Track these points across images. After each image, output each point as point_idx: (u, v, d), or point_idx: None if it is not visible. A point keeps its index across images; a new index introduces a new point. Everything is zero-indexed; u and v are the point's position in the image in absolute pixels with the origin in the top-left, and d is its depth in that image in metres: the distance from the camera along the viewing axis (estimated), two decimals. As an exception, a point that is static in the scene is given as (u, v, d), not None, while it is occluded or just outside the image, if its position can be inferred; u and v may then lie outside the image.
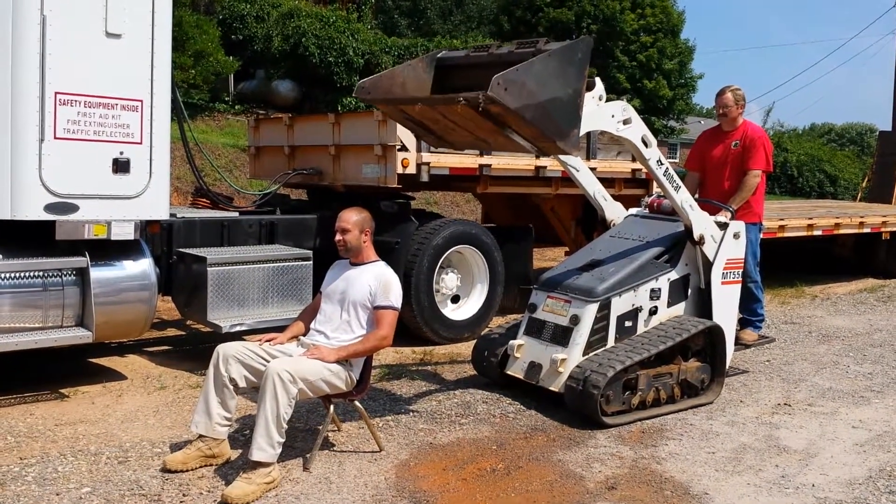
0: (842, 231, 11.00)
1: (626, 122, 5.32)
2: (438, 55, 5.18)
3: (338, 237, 4.58)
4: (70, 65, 5.14)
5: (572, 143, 4.62)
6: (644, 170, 8.95)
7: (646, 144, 5.47)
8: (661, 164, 5.60)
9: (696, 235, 5.81)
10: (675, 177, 5.69)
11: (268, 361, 4.26)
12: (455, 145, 5.49)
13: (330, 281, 4.70)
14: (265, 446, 4.03)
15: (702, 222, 5.86)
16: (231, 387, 4.28)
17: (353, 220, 4.56)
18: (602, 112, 5.20)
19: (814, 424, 5.44)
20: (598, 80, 5.21)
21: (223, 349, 4.31)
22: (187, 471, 4.22)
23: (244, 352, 4.33)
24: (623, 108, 5.36)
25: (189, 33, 16.38)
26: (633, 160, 8.99)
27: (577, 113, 4.54)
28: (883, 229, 11.57)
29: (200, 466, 4.26)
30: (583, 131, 4.83)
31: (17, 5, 4.97)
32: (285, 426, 4.09)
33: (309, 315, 4.77)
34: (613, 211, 6.43)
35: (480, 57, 5.02)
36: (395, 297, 4.50)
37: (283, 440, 4.10)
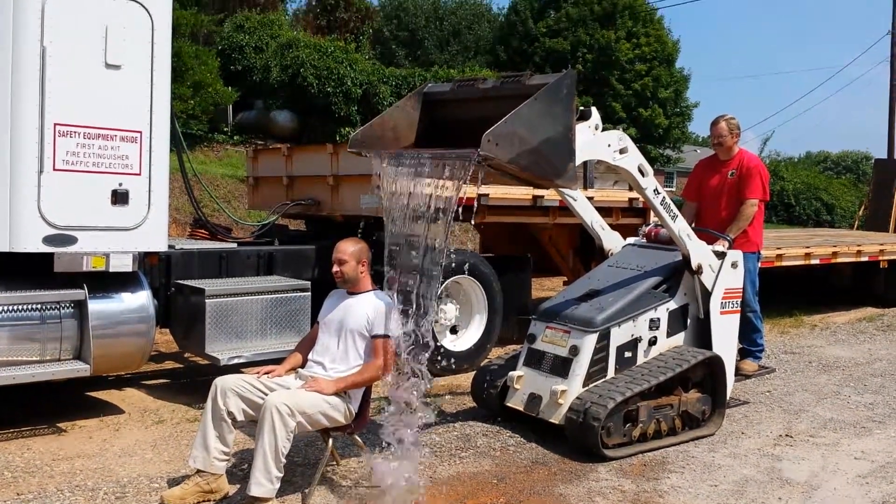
0: (839, 260, 11.00)
1: (622, 151, 5.34)
2: (425, 90, 5.21)
3: (335, 269, 4.57)
4: (69, 96, 5.16)
5: (569, 178, 4.63)
6: (641, 199, 8.99)
7: (642, 174, 5.49)
8: (658, 193, 5.61)
9: (693, 265, 5.80)
10: (672, 206, 5.70)
11: (266, 394, 4.23)
12: None
13: (327, 311, 4.68)
14: (263, 481, 3.99)
15: (699, 252, 5.86)
16: (229, 420, 4.25)
17: (349, 251, 4.56)
18: (598, 141, 5.22)
19: (816, 456, 5.40)
20: (594, 109, 5.23)
21: (221, 382, 4.28)
22: (185, 506, 4.17)
23: (242, 385, 4.30)
24: (619, 137, 5.38)
25: (188, 64, 16.47)
26: (630, 189, 9.02)
27: (570, 147, 4.56)
28: (881, 258, 11.57)
29: (199, 502, 4.22)
30: (579, 160, 4.84)
31: (16, 36, 5.00)
32: (284, 460, 4.06)
33: (306, 346, 4.74)
34: (611, 240, 6.43)
35: (466, 91, 5.06)
36: (393, 326, 4.48)
37: (281, 475, 4.06)
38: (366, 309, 4.50)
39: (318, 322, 4.78)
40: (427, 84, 5.28)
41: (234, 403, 4.24)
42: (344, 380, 4.36)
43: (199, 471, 4.24)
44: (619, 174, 8.94)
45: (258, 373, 4.49)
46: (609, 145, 5.29)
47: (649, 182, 5.55)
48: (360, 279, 4.59)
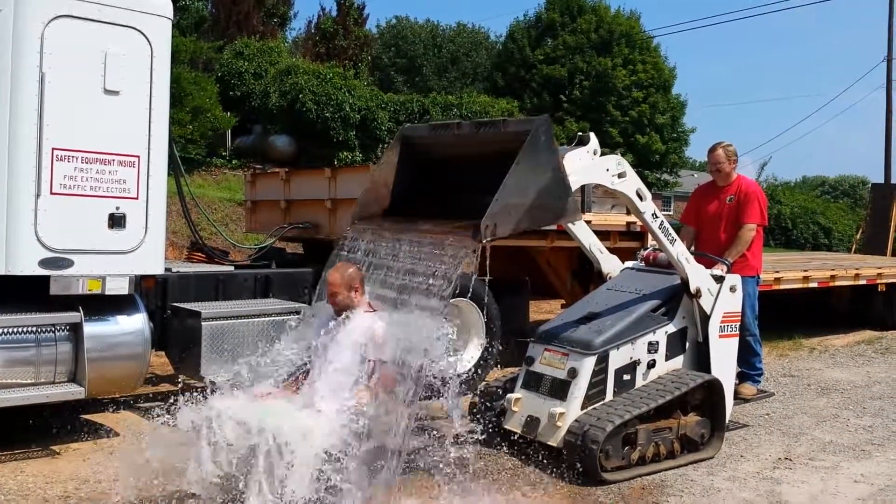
0: (837, 283, 11.00)
1: (620, 175, 5.37)
2: (404, 133, 5.34)
3: (328, 301, 4.63)
4: (68, 121, 5.18)
5: (572, 213, 4.77)
6: (639, 223, 9.01)
7: (640, 198, 5.51)
8: (657, 217, 5.62)
9: (692, 288, 5.80)
10: (670, 230, 5.71)
11: (262, 419, 4.20)
12: None
13: (320, 333, 4.69)
14: None
15: (698, 275, 5.86)
16: (224, 445, 4.21)
17: (338, 281, 4.61)
18: (597, 166, 5.26)
19: (815, 479, 5.36)
20: (592, 135, 5.29)
21: (216, 406, 4.26)
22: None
23: (238, 409, 4.27)
24: (617, 161, 5.41)
25: (187, 89, 16.56)
26: (628, 213, 9.03)
27: (565, 185, 4.65)
28: (879, 281, 11.58)
29: None
30: (578, 185, 4.90)
31: (16, 62, 5.03)
32: (279, 488, 4.02)
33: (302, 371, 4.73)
34: (609, 264, 6.43)
35: (444, 136, 5.13)
36: (387, 350, 4.47)
37: (280, 503, 4.02)
38: (361, 330, 4.51)
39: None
40: (403, 129, 5.37)
41: (230, 426, 4.21)
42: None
43: (194, 495, 4.21)
44: (617, 198, 9.01)
45: (255, 396, 4.47)
46: (607, 170, 5.33)
47: (647, 206, 5.57)
48: (354, 304, 4.62)
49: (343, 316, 4.62)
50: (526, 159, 4.36)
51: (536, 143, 4.43)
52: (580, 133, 5.36)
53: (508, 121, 4.85)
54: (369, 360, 4.43)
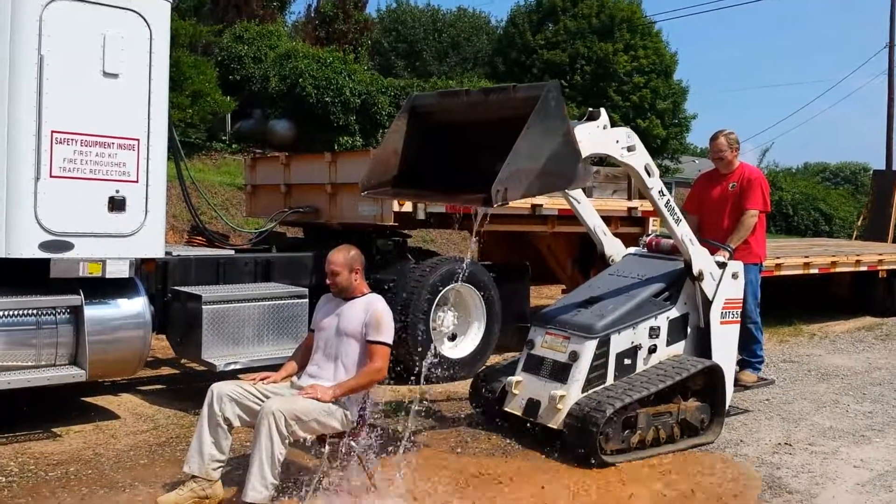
0: (838, 269, 11.00)
1: (630, 149, 5.34)
2: (412, 102, 5.26)
3: (329, 280, 4.57)
4: (67, 104, 5.16)
5: (582, 179, 4.73)
6: (640, 208, 9.00)
7: (649, 173, 5.49)
8: (663, 195, 5.60)
9: (695, 270, 5.78)
10: (676, 209, 5.69)
11: (262, 401, 4.21)
12: None
13: (321, 317, 4.67)
14: (259, 487, 3.97)
15: (701, 258, 5.84)
16: (225, 427, 4.23)
17: (340, 261, 4.54)
18: (607, 136, 5.23)
19: (815, 464, 5.37)
20: (602, 110, 5.27)
21: (218, 388, 4.26)
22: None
23: (239, 391, 4.28)
24: (628, 134, 5.38)
25: (187, 73, 16.49)
26: (629, 199, 9.02)
27: (574, 150, 4.58)
28: (879, 267, 11.58)
29: None
30: (587, 153, 4.86)
31: (14, 45, 5.00)
32: (280, 467, 4.03)
33: (302, 354, 4.74)
34: (612, 246, 6.41)
35: (453, 103, 5.09)
36: (387, 332, 4.46)
37: (277, 482, 4.04)
38: (361, 313, 4.48)
39: (311, 330, 4.77)
40: (412, 97, 5.31)
41: (231, 409, 4.23)
42: (341, 386, 4.33)
43: (194, 476, 4.22)
44: (619, 183, 9.01)
45: (254, 379, 4.47)
46: (617, 141, 5.29)
47: (655, 182, 5.54)
48: (354, 286, 4.58)
49: (346, 302, 4.59)
50: (537, 123, 4.32)
51: (547, 107, 4.39)
52: (590, 109, 5.33)
53: (518, 86, 4.78)
54: (371, 342, 4.41)
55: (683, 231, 5.73)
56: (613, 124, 5.28)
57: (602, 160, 6.57)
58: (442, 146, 5.11)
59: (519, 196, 4.29)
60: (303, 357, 4.70)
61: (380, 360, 4.40)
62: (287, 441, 4.06)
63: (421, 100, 5.28)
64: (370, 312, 4.47)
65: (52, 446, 5.20)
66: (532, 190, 4.38)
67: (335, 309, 4.61)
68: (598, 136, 5.10)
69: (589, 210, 6.28)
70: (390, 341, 4.47)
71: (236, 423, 4.25)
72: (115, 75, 5.33)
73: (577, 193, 6.17)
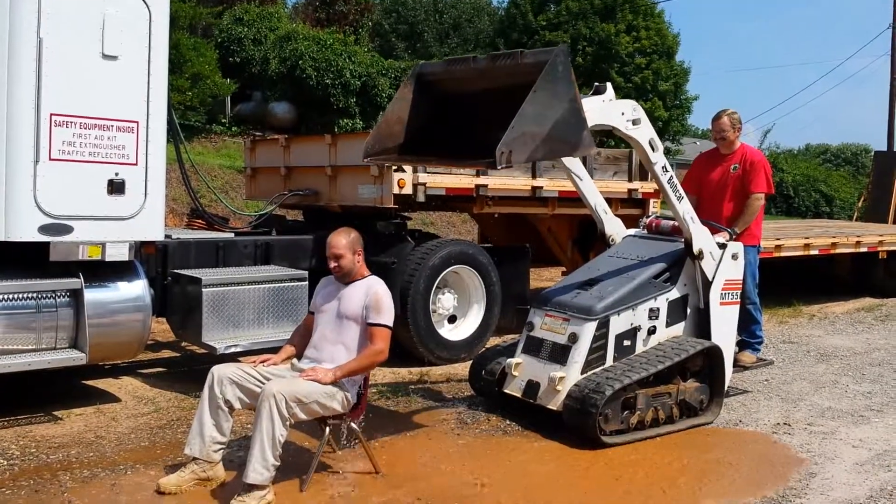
0: (838, 250, 10.99)
1: (635, 122, 5.32)
2: (419, 70, 5.19)
3: (332, 264, 4.54)
4: (66, 86, 5.13)
5: (586, 146, 4.65)
6: (640, 189, 8.99)
7: (653, 148, 5.47)
8: (667, 171, 5.59)
9: (695, 249, 5.77)
10: (679, 186, 5.68)
11: (263, 383, 4.22)
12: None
13: (322, 300, 4.67)
14: (260, 469, 3.99)
15: (702, 236, 5.83)
16: (226, 409, 4.25)
17: (343, 244, 4.51)
18: (613, 108, 5.21)
19: (814, 444, 5.39)
20: (608, 84, 5.25)
21: (218, 371, 4.28)
22: (181, 493, 4.16)
23: (239, 374, 4.29)
24: (633, 107, 5.36)
25: (186, 56, 16.44)
26: (630, 180, 9.00)
27: (580, 117, 4.55)
28: (879, 249, 11.57)
29: (195, 489, 4.21)
30: (592, 124, 4.82)
31: (13, 27, 4.98)
32: (280, 449, 4.05)
33: (301, 336, 4.75)
34: (613, 226, 6.39)
35: (461, 70, 5.04)
36: (388, 314, 4.46)
37: (278, 463, 4.05)
38: (361, 296, 4.48)
39: (311, 312, 4.78)
40: (419, 65, 5.26)
41: (231, 392, 4.24)
42: (342, 368, 4.34)
43: (195, 459, 4.24)
44: (619, 164, 8.98)
45: (254, 361, 4.48)
46: (623, 114, 5.28)
47: (659, 158, 5.53)
48: (356, 269, 4.58)
49: (347, 285, 4.57)
50: (543, 87, 4.29)
51: (555, 72, 4.36)
52: (596, 83, 5.30)
53: (526, 52, 4.75)
54: (371, 325, 4.42)
55: (685, 209, 5.72)
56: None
57: (602, 142, 6.56)
58: (448, 115, 5.06)
59: (524, 159, 4.25)
60: (302, 339, 4.71)
61: (380, 342, 4.40)
62: (288, 423, 4.07)
63: (428, 67, 5.21)
64: (370, 295, 4.47)
65: (54, 429, 5.22)
66: (537, 154, 4.33)
67: (336, 292, 4.61)
68: (604, 108, 5.07)
69: (591, 188, 6.26)
70: (391, 324, 4.47)
71: (237, 405, 4.27)
72: (114, 57, 5.31)
73: (580, 170, 6.14)
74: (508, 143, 4.13)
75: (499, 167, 4.15)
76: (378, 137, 5.00)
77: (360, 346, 4.45)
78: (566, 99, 4.43)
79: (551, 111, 4.36)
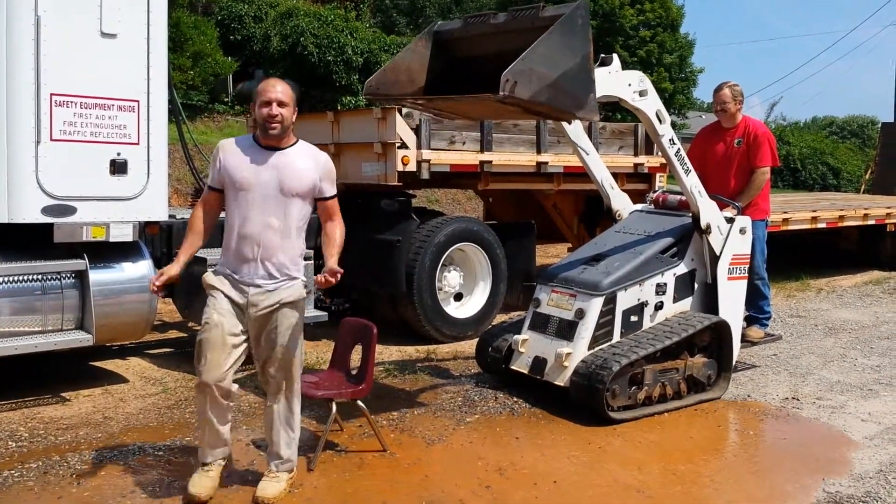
0: (846, 224, 10.94)
1: (641, 93, 5.26)
2: (435, 29, 5.07)
3: (273, 111, 3.77)
4: (65, 66, 5.09)
5: (590, 110, 4.51)
6: (646, 164, 8.92)
7: (660, 120, 5.42)
8: (674, 143, 5.54)
9: (702, 223, 5.73)
10: (686, 159, 5.63)
11: (246, 340, 3.94)
12: (470, 118, 5.67)
13: (245, 172, 3.82)
14: (287, 451, 4.04)
15: (709, 210, 5.79)
16: (226, 402, 3.98)
17: (289, 93, 3.85)
18: (619, 79, 5.13)
19: (823, 418, 5.38)
20: (615, 55, 5.17)
21: (207, 377, 3.93)
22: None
23: (224, 369, 3.94)
24: (640, 78, 5.29)
25: (187, 34, 16.33)
26: (636, 155, 8.93)
27: (590, 78, 4.45)
28: (887, 221, 11.50)
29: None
30: (598, 94, 4.74)
31: (10, 6, 4.92)
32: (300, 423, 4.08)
33: (204, 220, 4.00)
34: (619, 201, 6.34)
35: (478, 27, 4.93)
36: (334, 182, 4.03)
37: (298, 434, 4.10)
38: (310, 167, 3.89)
39: (215, 189, 3.95)
40: (437, 23, 5.16)
41: (227, 382, 3.94)
42: (336, 255, 3.88)
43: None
44: (625, 139, 8.90)
45: (152, 287, 3.97)
46: (629, 84, 5.20)
47: (666, 130, 5.47)
48: (289, 129, 3.89)
49: (276, 151, 3.86)
50: (559, 32, 4.18)
51: (573, 22, 4.26)
52: (602, 55, 5.23)
53: (547, 6, 4.64)
54: (326, 199, 3.96)
55: (692, 182, 5.67)
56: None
57: (608, 116, 6.48)
58: (458, 76, 4.94)
59: (527, 96, 4.07)
60: (206, 223, 3.99)
61: (338, 215, 4.01)
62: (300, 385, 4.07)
63: (445, 26, 5.04)
64: (321, 164, 3.94)
65: (62, 410, 5.23)
66: (541, 96, 4.17)
67: (264, 160, 3.83)
68: (611, 79, 5.00)
69: (597, 162, 6.19)
70: (334, 193, 4.04)
71: (234, 388, 4.01)
72: (113, 35, 5.26)
73: (586, 144, 6.07)
74: (515, 74, 3.97)
75: (501, 93, 3.92)
76: (383, 80, 4.79)
77: (301, 223, 3.93)
78: (580, 54, 4.31)
79: (563, 60, 4.22)
